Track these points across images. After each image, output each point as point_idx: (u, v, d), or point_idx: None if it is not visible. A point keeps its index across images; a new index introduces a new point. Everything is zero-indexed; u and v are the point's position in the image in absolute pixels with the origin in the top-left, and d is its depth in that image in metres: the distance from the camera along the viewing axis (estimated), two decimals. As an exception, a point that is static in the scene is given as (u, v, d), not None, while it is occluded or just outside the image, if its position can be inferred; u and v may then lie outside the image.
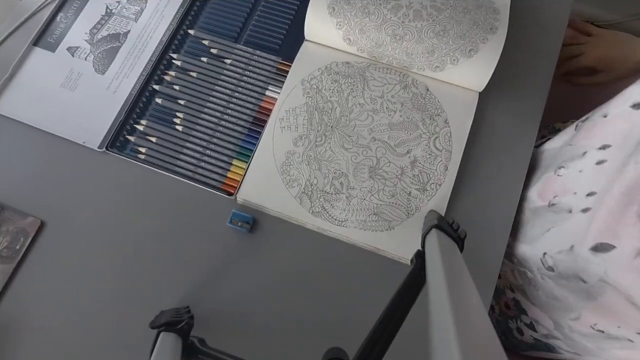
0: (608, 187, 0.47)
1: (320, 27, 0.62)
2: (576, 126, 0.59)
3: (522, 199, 0.61)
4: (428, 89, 0.62)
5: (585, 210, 0.50)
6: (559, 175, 0.56)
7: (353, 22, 0.61)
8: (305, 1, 0.66)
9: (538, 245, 0.56)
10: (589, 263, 0.47)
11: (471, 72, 0.60)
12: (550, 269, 0.54)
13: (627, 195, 0.44)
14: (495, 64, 0.59)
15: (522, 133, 0.62)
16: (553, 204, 0.56)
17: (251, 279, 0.56)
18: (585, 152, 0.53)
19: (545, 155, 0.62)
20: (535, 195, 0.59)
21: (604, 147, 0.50)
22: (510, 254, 0.63)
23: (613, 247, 0.44)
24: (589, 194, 0.50)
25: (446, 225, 0.47)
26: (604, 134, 0.51)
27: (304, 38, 0.65)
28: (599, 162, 0.50)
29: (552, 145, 0.61)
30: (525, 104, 0.63)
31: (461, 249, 0.46)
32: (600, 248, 0.46)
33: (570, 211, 0.52)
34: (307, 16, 0.62)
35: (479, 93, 0.62)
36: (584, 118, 0.59)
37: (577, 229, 0.50)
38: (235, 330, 0.55)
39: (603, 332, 0.53)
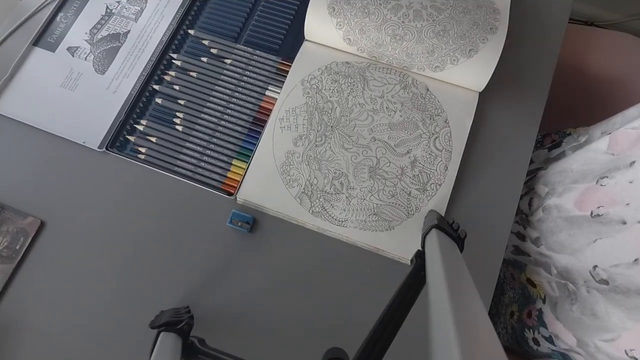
0: None
1: (320, 27, 0.62)
2: (607, 133, 0.57)
3: (549, 207, 0.60)
4: (428, 89, 0.62)
5: None
6: (601, 185, 0.54)
7: (353, 22, 0.61)
8: (306, 1, 0.66)
9: (584, 257, 0.55)
10: None
11: (471, 72, 0.60)
12: (604, 282, 0.52)
13: None
14: (495, 64, 0.59)
15: (522, 133, 0.62)
16: (598, 215, 0.54)
17: (251, 279, 0.56)
18: (633, 162, 0.51)
19: (567, 162, 0.60)
20: (571, 205, 0.58)
21: None
22: (548, 264, 0.62)
23: None
24: None
25: (446, 225, 0.47)
26: (632, 144, 0.50)
27: (304, 38, 0.65)
28: None
29: (574, 152, 0.60)
30: (526, 104, 0.63)
31: (461, 249, 0.46)
32: None
33: (624, 222, 0.50)
34: (307, 16, 0.62)
35: (479, 93, 0.62)
36: (614, 123, 0.57)
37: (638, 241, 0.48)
38: (235, 330, 0.55)
39: (637, 359, 0.51)
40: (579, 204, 0.57)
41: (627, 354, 0.51)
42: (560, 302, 0.60)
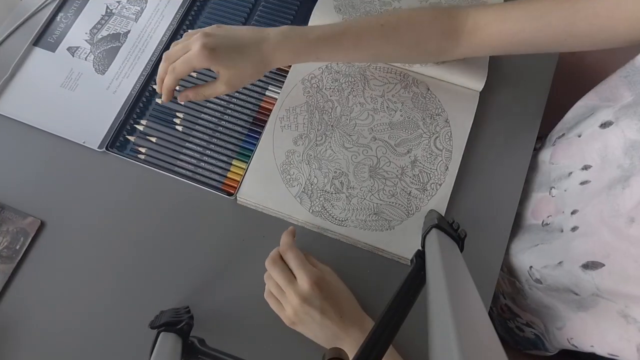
0: (595, 209, 0.48)
1: (325, 20, 0.63)
2: (554, 142, 0.60)
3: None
4: (429, 89, 0.62)
5: (574, 229, 0.51)
6: (552, 196, 0.57)
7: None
8: (305, 1, 0.67)
9: (523, 258, 0.57)
10: (580, 279, 0.49)
11: (471, 67, 0.61)
12: (538, 281, 0.56)
13: (616, 218, 0.45)
14: (487, 60, 0.61)
15: (523, 133, 0.62)
16: (547, 224, 0.57)
17: (251, 279, 0.56)
18: (570, 173, 0.54)
19: (531, 170, 0.63)
20: (529, 213, 0.60)
21: (586, 168, 0.52)
22: None
23: (602, 265, 0.46)
24: (573, 212, 0.52)
25: (446, 225, 0.47)
26: (583, 154, 0.52)
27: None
28: (583, 182, 0.52)
29: (535, 160, 0.62)
30: (526, 104, 0.63)
31: (461, 248, 0.45)
32: (590, 266, 0.48)
33: (561, 230, 0.53)
34: (313, 13, 0.64)
35: (480, 93, 0.61)
36: (559, 134, 0.60)
37: (566, 246, 0.51)
38: (235, 330, 0.55)
39: (576, 347, 0.55)
40: (534, 213, 0.60)
41: (569, 342, 0.55)
42: (516, 296, 0.63)
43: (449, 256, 0.40)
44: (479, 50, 0.54)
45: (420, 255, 0.44)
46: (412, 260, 0.45)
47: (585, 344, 0.53)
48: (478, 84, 0.61)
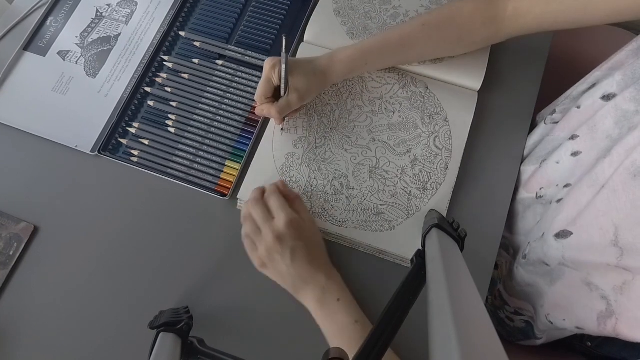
0: (578, 180, 0.49)
1: (324, 23, 0.63)
2: (552, 119, 0.60)
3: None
4: (427, 87, 0.62)
5: (559, 201, 0.52)
6: (540, 167, 0.57)
7: (357, 21, 0.64)
8: (295, 1, 0.66)
9: (532, 236, 0.58)
10: (550, 248, 0.50)
11: (468, 67, 0.61)
12: (524, 256, 0.56)
13: (593, 188, 0.46)
14: (487, 60, 0.61)
15: (516, 129, 0.62)
16: (540, 196, 0.57)
17: (250, 278, 0.55)
18: (561, 144, 0.54)
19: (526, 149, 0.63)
20: (522, 188, 0.61)
21: (573, 138, 0.52)
22: (507, 246, 0.64)
23: (571, 233, 0.48)
24: (565, 186, 0.52)
25: (446, 225, 0.47)
26: (574, 125, 0.53)
27: (296, 39, 0.65)
28: (575, 154, 0.52)
29: (531, 140, 0.62)
30: (519, 102, 0.63)
31: (462, 248, 0.45)
32: (561, 235, 0.49)
33: (550, 202, 0.54)
34: (312, 16, 0.64)
35: (478, 92, 0.61)
36: (558, 110, 0.60)
37: (549, 218, 0.52)
38: (234, 330, 0.54)
39: (552, 323, 0.55)
40: (526, 186, 0.60)
41: (546, 319, 0.56)
42: (506, 280, 0.64)
43: (449, 256, 0.39)
44: (524, 32, 0.56)
45: (420, 255, 0.44)
46: (412, 260, 0.45)
47: (559, 319, 0.54)
48: (476, 84, 0.61)
